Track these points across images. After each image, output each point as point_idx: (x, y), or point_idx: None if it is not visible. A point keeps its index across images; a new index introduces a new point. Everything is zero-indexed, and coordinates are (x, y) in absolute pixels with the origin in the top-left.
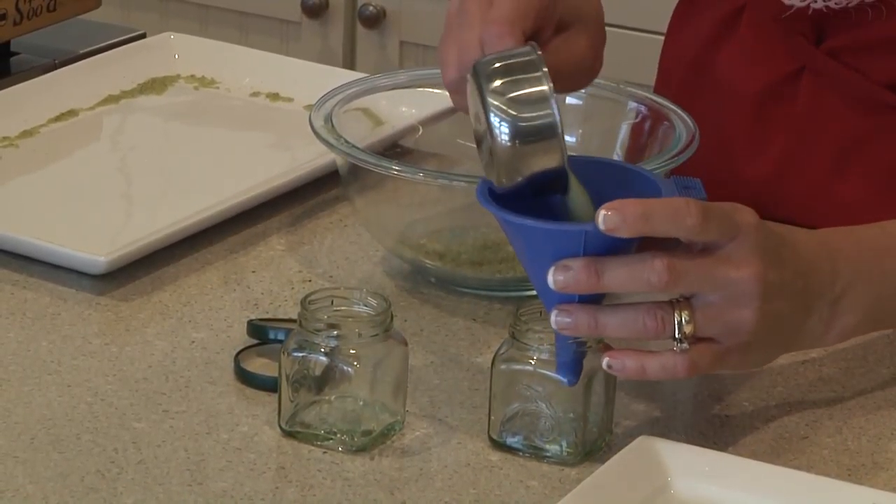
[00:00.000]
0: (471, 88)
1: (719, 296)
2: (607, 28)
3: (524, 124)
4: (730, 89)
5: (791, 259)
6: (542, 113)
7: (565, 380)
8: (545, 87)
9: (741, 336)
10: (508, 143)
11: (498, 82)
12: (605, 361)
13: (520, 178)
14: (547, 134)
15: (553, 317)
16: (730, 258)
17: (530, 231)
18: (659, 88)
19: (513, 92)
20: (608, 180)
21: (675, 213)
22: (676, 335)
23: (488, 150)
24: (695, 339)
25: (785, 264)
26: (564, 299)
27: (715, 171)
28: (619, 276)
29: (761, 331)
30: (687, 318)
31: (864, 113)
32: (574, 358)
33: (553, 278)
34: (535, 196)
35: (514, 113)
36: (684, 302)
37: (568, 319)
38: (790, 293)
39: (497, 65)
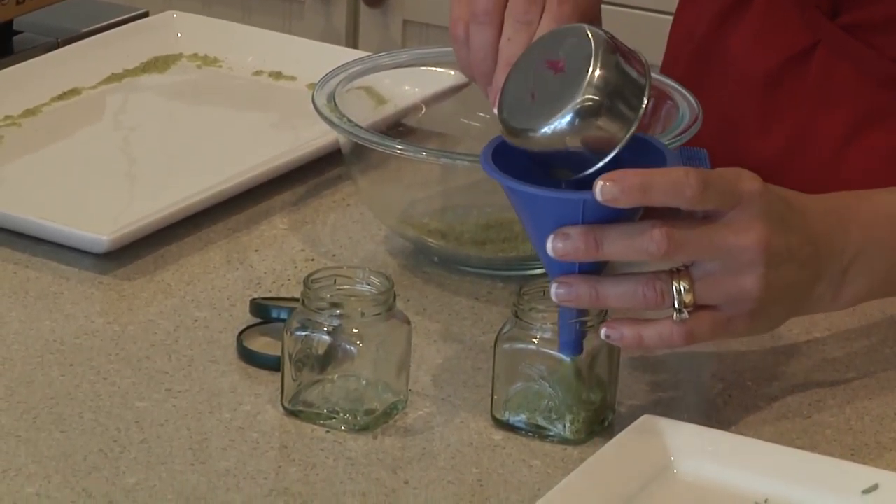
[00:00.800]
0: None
1: (719, 264)
2: (614, 7)
3: (611, 109)
4: (740, 67)
5: (799, 225)
6: (624, 119)
7: (567, 359)
8: (642, 110)
9: (745, 304)
10: (588, 115)
11: (616, 59)
12: (602, 332)
13: (562, 146)
14: (611, 139)
15: (553, 289)
16: (730, 225)
17: (531, 198)
18: (666, 67)
19: (619, 81)
20: None
21: (673, 184)
22: (676, 305)
23: (554, 103)
24: (696, 308)
25: (792, 230)
26: (566, 269)
27: (723, 150)
28: (618, 244)
29: (767, 298)
30: (686, 288)
31: (874, 90)
32: (576, 337)
33: (552, 245)
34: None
35: (609, 95)
36: (684, 271)
37: (565, 291)
38: (798, 259)
39: (624, 49)
